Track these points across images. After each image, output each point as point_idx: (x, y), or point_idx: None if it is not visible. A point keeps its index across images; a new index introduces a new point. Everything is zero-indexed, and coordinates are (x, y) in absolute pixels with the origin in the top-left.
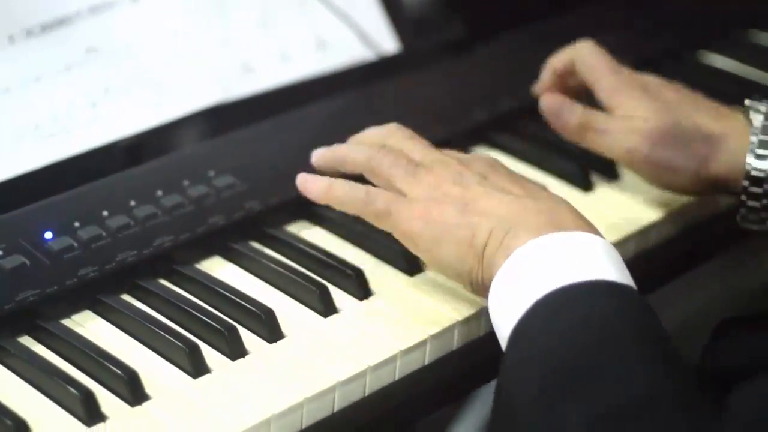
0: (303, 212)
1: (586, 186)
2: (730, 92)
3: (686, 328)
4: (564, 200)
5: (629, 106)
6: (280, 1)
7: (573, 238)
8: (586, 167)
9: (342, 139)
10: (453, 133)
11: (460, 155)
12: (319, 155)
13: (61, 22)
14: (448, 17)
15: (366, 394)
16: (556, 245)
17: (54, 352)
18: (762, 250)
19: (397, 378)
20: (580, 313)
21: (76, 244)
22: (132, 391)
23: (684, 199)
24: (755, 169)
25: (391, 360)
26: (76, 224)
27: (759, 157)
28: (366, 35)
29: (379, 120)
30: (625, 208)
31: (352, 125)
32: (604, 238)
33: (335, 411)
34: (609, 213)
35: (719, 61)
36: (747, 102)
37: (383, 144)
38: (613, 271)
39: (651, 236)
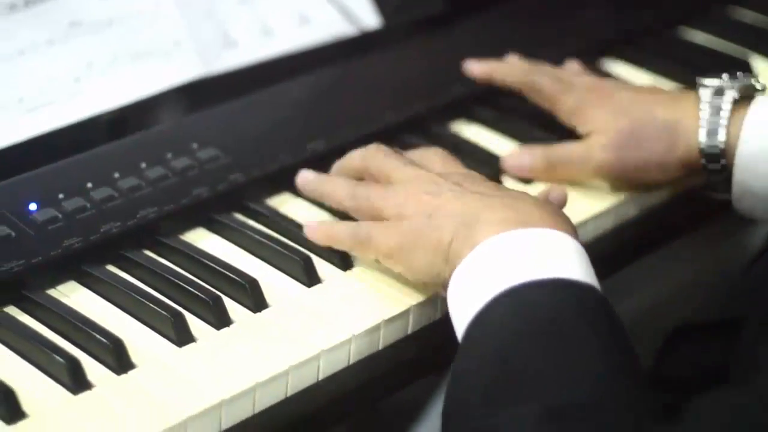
0: (286, 184)
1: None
2: (709, 68)
3: (650, 314)
4: (536, 199)
5: (588, 121)
6: None
7: (537, 234)
8: (564, 139)
9: (324, 114)
10: (433, 107)
11: (444, 167)
12: (305, 181)
13: None
14: None
15: (350, 363)
16: (518, 241)
17: (40, 321)
18: (722, 237)
19: (380, 347)
20: (535, 311)
21: (60, 216)
22: (118, 359)
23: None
24: (708, 145)
25: (375, 329)
26: (61, 196)
27: (710, 133)
28: (347, 10)
29: (360, 94)
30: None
31: (333, 99)
32: (574, 234)
33: (320, 379)
34: (591, 184)
35: (699, 36)
36: (698, 79)
37: (362, 167)
38: (576, 268)
39: (630, 209)
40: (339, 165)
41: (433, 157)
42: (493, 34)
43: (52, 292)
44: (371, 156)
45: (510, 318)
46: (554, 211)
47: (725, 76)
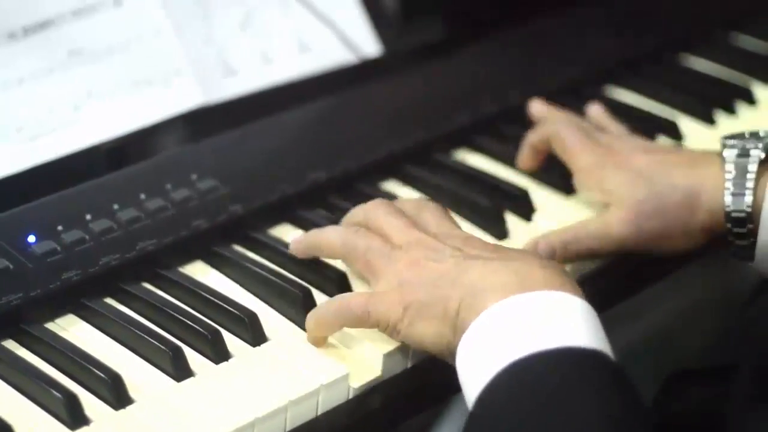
0: (286, 216)
1: (567, 190)
2: (711, 95)
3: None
4: (539, 257)
5: (603, 186)
6: (262, 3)
7: (540, 297)
8: (567, 170)
9: (324, 143)
10: (435, 136)
11: (439, 228)
12: (295, 244)
13: (43, 25)
14: (430, 20)
15: (350, 397)
16: (522, 306)
17: (38, 355)
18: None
19: (383, 378)
20: (540, 385)
21: (59, 248)
22: (115, 394)
23: None
24: (735, 210)
25: (375, 362)
26: (60, 228)
27: (735, 195)
28: (347, 38)
29: (360, 123)
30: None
31: (333, 128)
32: (578, 292)
33: (319, 414)
34: (589, 216)
35: (701, 63)
36: (721, 139)
37: (363, 222)
38: (583, 332)
39: None
40: (343, 221)
41: (428, 216)
42: (494, 61)
43: (50, 325)
44: (372, 211)
45: (516, 393)
46: (556, 270)
47: (747, 133)
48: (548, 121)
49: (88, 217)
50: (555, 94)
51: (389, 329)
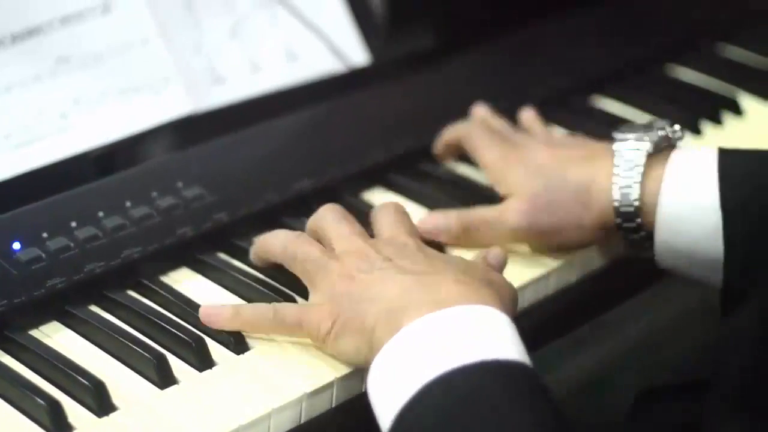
0: (271, 224)
1: None
2: (697, 105)
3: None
4: (459, 271)
5: (504, 181)
6: (250, 12)
7: (456, 313)
8: None
9: (311, 152)
10: (422, 145)
11: (387, 235)
12: (252, 250)
13: (31, 33)
14: (418, 29)
15: (333, 405)
16: (437, 324)
17: (21, 362)
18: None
19: (364, 390)
20: (463, 399)
21: (44, 255)
22: (99, 401)
23: None
24: (623, 204)
25: (357, 373)
26: (45, 235)
27: (623, 189)
28: (336, 47)
29: (347, 132)
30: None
31: (321, 137)
32: (500, 304)
33: (302, 422)
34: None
35: (687, 74)
36: (613, 134)
37: (313, 226)
38: (501, 344)
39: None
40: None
41: (383, 218)
42: (482, 71)
43: (34, 332)
44: (320, 217)
45: (441, 408)
46: (477, 282)
47: (641, 126)
48: (466, 122)
49: (74, 224)
50: (543, 103)
51: (319, 341)
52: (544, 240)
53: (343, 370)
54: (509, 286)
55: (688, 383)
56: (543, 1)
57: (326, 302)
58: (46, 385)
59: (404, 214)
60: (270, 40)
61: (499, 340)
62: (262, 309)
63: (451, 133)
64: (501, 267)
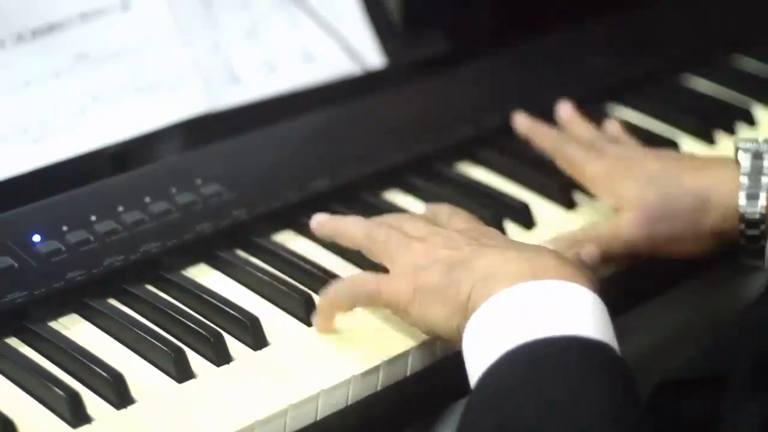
0: (289, 222)
1: (568, 203)
2: (711, 115)
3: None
4: (556, 252)
5: (614, 192)
6: (267, 12)
7: (552, 286)
8: (568, 185)
9: (328, 152)
10: (437, 147)
11: (466, 224)
12: (319, 223)
13: (51, 28)
14: (434, 34)
15: (349, 403)
16: (532, 294)
17: (41, 354)
18: (715, 287)
19: (379, 388)
20: (544, 370)
21: (64, 248)
22: (118, 394)
23: None
24: (749, 212)
25: (374, 370)
26: (65, 228)
27: (750, 197)
28: (352, 49)
29: (364, 133)
30: None
31: (337, 138)
32: (593, 286)
33: (318, 418)
34: None
35: (701, 84)
36: (735, 143)
37: (381, 221)
38: (591, 324)
39: None
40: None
41: (447, 213)
42: (496, 77)
43: (53, 324)
44: (392, 217)
45: (519, 377)
46: (573, 264)
47: (761, 138)
48: (546, 139)
49: (93, 218)
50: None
51: (399, 310)
52: (660, 250)
53: (360, 368)
54: (594, 276)
55: (701, 378)
56: (558, 11)
57: (407, 273)
58: (65, 377)
59: (467, 212)
60: (287, 41)
61: (589, 319)
62: (342, 282)
63: (537, 135)
64: (592, 265)
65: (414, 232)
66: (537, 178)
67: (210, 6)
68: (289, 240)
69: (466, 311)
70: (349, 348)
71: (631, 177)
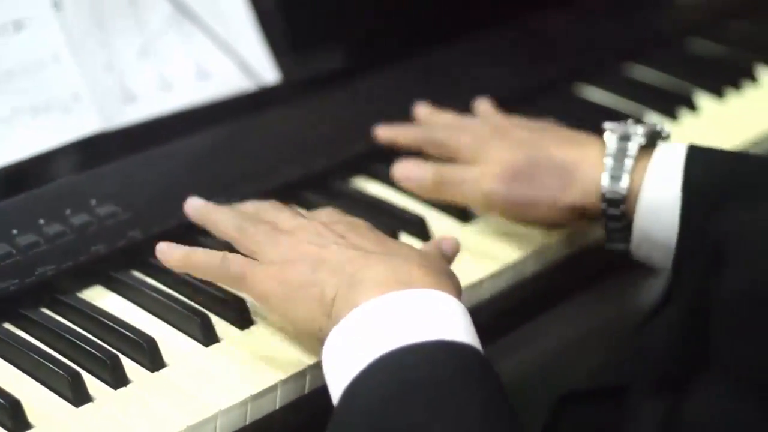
0: (185, 242)
1: (463, 217)
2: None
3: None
4: (420, 254)
5: (484, 155)
6: (161, 30)
7: (416, 295)
8: None
9: (223, 170)
10: (333, 163)
11: (330, 218)
12: (193, 209)
13: None
14: (329, 49)
15: (247, 423)
16: (397, 303)
17: None
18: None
19: (277, 407)
20: (413, 374)
21: None
22: (14, 420)
23: (560, 231)
24: (610, 191)
25: (271, 389)
26: None
27: (613, 178)
28: (247, 65)
29: (259, 150)
30: (504, 239)
31: (232, 155)
32: (456, 292)
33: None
34: (486, 243)
35: (595, 93)
36: (604, 125)
37: (254, 214)
38: (457, 330)
39: (527, 267)
40: (233, 206)
41: (320, 214)
42: (392, 90)
43: None
44: (263, 207)
45: (387, 382)
46: (436, 269)
47: (630, 121)
48: (409, 133)
49: None
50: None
51: (261, 299)
52: (516, 210)
53: (258, 387)
54: (457, 279)
55: (604, 389)
56: (453, 24)
57: (275, 266)
58: None
59: (341, 212)
60: (181, 59)
61: (455, 326)
62: (212, 255)
63: (400, 134)
64: (454, 255)
65: (283, 224)
66: None
67: (103, 25)
68: None
69: (330, 315)
70: (248, 368)
71: (499, 140)
